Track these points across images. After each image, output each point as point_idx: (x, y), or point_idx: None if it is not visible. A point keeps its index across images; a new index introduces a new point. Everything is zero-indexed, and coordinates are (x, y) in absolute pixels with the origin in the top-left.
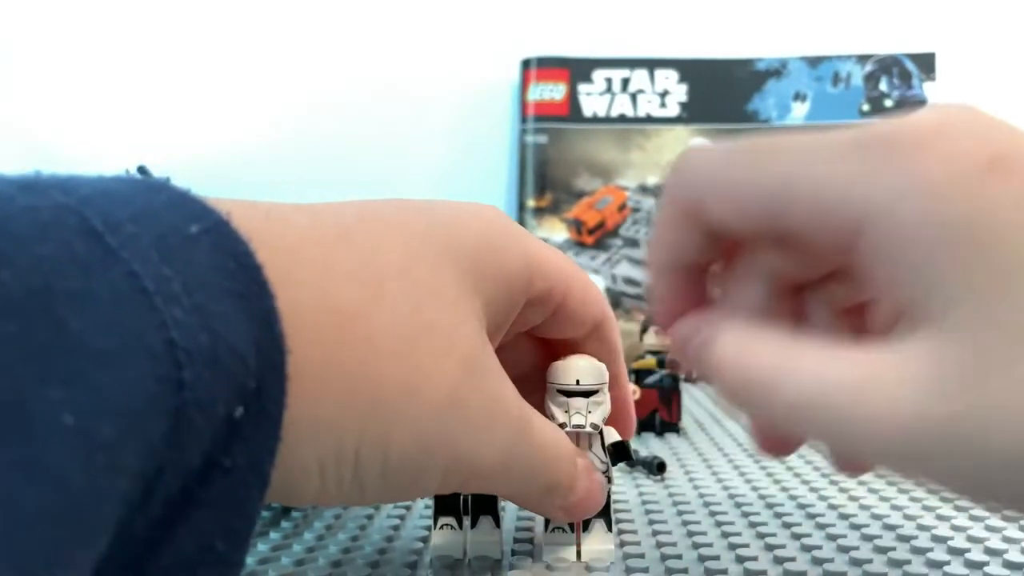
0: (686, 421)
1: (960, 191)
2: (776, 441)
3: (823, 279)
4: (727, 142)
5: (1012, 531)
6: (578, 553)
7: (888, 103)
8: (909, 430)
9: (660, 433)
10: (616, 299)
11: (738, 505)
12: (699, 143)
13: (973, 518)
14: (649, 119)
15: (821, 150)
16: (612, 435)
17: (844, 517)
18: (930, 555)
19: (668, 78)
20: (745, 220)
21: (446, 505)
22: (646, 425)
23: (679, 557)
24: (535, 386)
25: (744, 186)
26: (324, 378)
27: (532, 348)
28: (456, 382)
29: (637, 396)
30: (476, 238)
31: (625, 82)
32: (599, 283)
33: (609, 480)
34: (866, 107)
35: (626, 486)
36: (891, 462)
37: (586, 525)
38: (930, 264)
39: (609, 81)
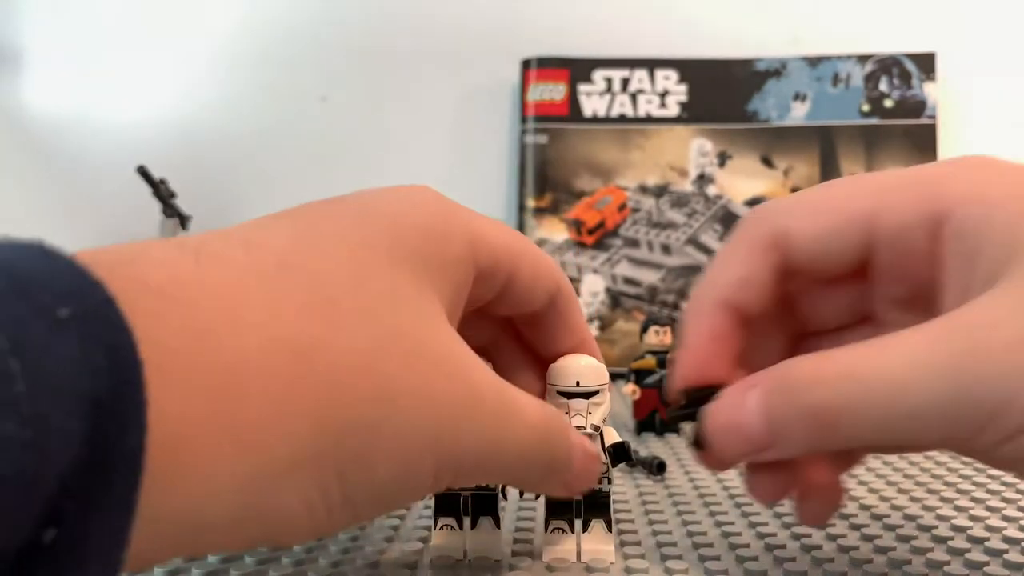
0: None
1: None
2: (777, 486)
3: (833, 331)
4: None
5: (1012, 531)
6: (578, 553)
7: (888, 103)
8: (1005, 360)
9: (660, 433)
10: (616, 299)
11: (738, 505)
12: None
13: (973, 518)
14: (649, 119)
15: (903, 169)
16: (612, 436)
17: (844, 517)
18: (930, 555)
19: (668, 78)
20: (830, 234)
21: (446, 505)
22: (646, 425)
23: (679, 557)
24: (509, 362)
25: (834, 201)
26: (284, 419)
27: (491, 325)
28: (430, 382)
29: (637, 396)
30: (420, 232)
31: (625, 82)
32: (599, 283)
33: (609, 480)
34: (866, 107)
35: (626, 486)
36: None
37: (586, 525)
38: (1012, 234)
39: (609, 81)
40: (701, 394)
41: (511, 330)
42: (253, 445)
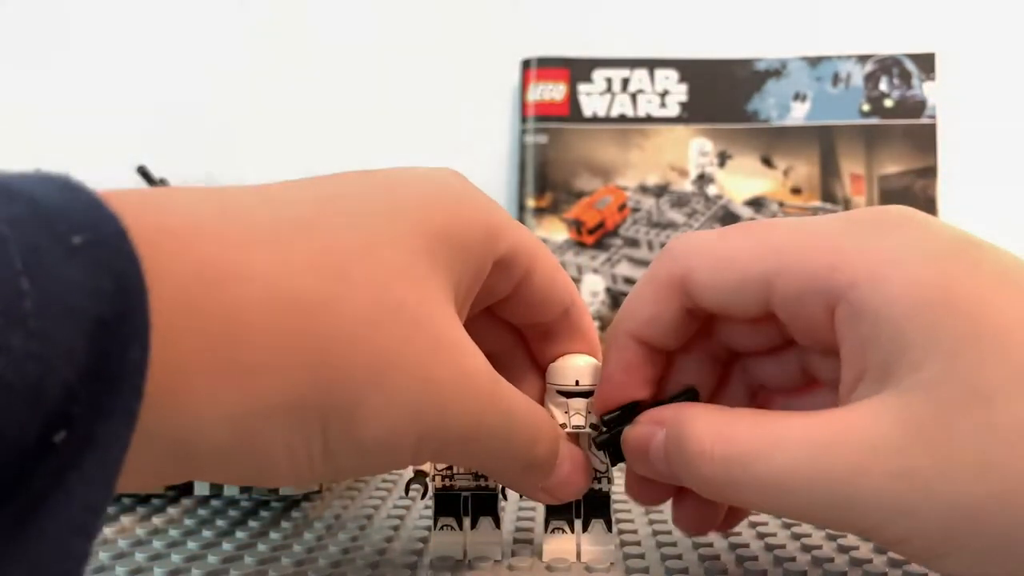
0: None
1: (938, 264)
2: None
3: (764, 353)
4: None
5: None
6: (578, 553)
7: (888, 103)
8: (881, 489)
9: None
10: (616, 299)
11: None
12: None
13: None
14: (649, 119)
15: (813, 224)
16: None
17: None
18: None
19: (668, 78)
20: (730, 290)
21: (446, 505)
22: None
23: (679, 557)
24: (517, 373)
25: (735, 255)
26: (280, 367)
27: (508, 333)
28: (426, 358)
29: None
30: (443, 213)
31: (625, 82)
32: (599, 283)
33: (609, 480)
34: (866, 107)
35: None
36: (865, 521)
37: (586, 525)
38: (905, 326)
39: (609, 81)
40: (624, 411)
41: (522, 342)
42: (246, 385)
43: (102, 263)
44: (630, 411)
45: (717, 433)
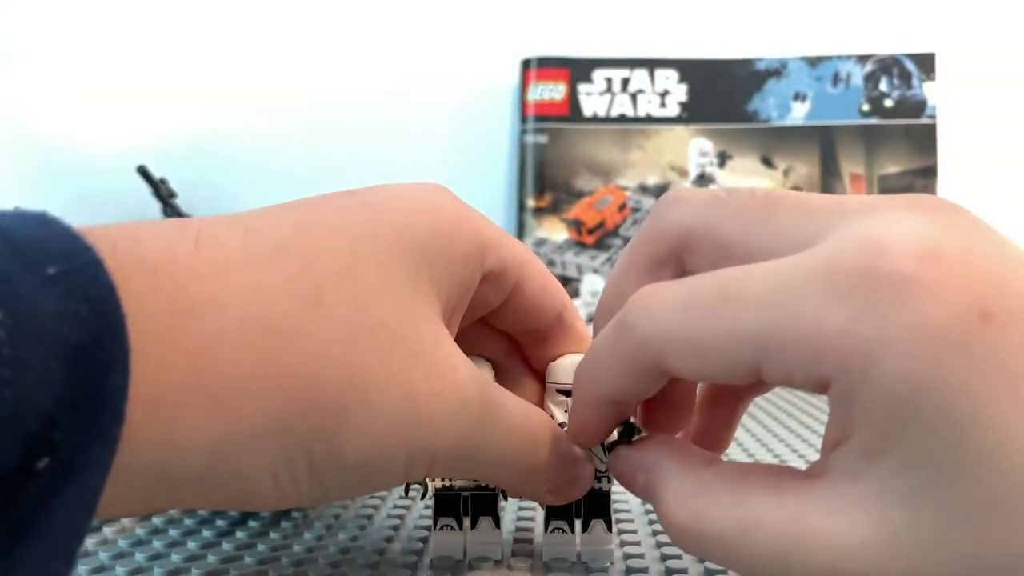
0: None
1: (942, 353)
2: None
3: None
4: (681, 281)
5: None
6: (578, 553)
7: (888, 103)
8: None
9: None
10: None
11: None
12: (650, 287)
13: None
14: (649, 119)
15: (790, 294)
16: (611, 434)
17: None
18: None
19: (668, 78)
20: (711, 374)
21: (446, 505)
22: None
23: (679, 557)
24: (514, 379)
25: (710, 345)
26: (255, 392)
27: (502, 341)
28: (406, 375)
29: None
30: (426, 228)
31: (625, 82)
32: (599, 283)
33: (609, 480)
34: (866, 107)
35: None
36: None
37: (586, 525)
38: (892, 427)
39: (609, 81)
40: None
41: (516, 349)
42: (224, 411)
43: (77, 291)
44: (627, 433)
45: (691, 510)
